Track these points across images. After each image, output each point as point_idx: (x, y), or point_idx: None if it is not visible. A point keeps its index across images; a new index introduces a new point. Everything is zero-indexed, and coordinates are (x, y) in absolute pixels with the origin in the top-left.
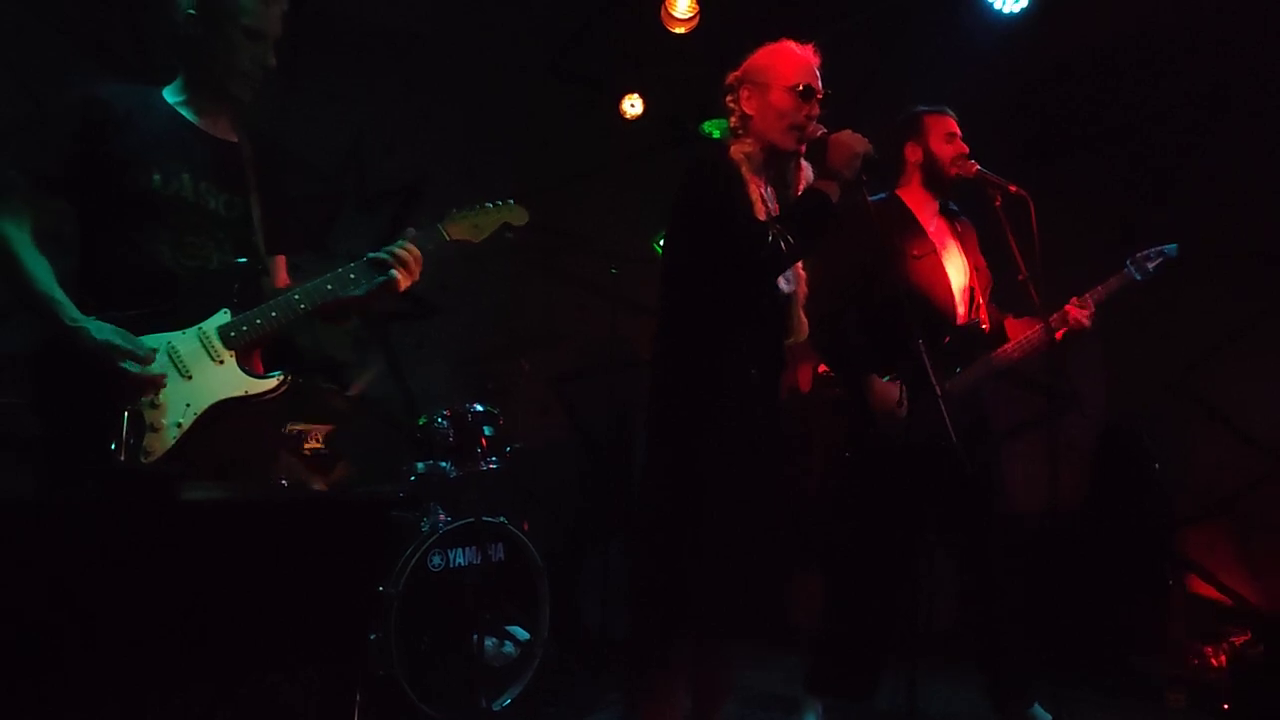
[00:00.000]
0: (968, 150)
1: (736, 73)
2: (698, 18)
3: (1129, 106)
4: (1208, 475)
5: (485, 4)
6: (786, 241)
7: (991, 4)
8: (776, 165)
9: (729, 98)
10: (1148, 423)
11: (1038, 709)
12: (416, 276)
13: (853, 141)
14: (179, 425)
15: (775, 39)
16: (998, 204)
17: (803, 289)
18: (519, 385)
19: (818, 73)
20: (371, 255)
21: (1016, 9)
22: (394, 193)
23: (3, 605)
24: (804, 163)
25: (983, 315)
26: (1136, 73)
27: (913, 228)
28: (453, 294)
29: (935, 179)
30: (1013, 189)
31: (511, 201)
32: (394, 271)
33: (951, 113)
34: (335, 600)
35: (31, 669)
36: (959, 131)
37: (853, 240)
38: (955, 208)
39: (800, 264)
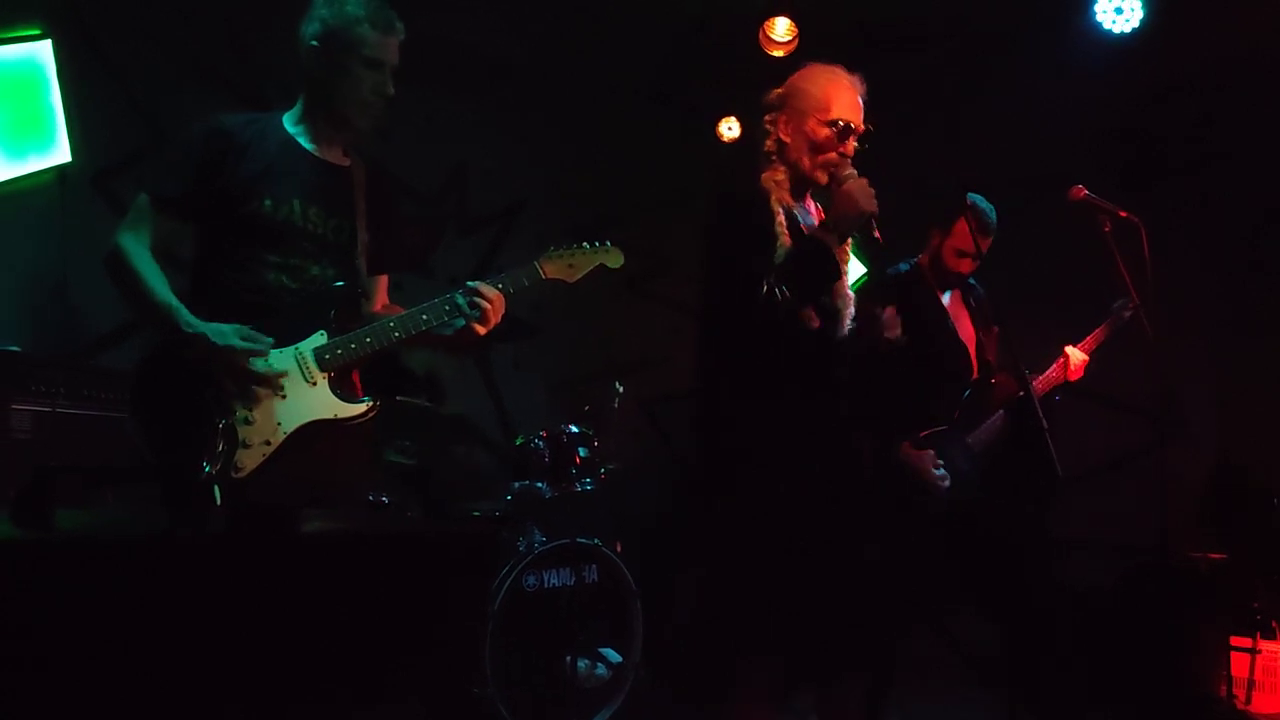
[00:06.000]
0: (972, 265)
1: (780, 90)
2: (796, 40)
3: (1245, 128)
4: None
5: (583, 29)
6: (782, 292)
7: (1100, 24)
8: (813, 188)
9: (767, 117)
10: (1263, 456)
11: None
12: (496, 321)
13: (861, 198)
14: (268, 443)
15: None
16: (1106, 229)
17: (848, 313)
18: (613, 407)
19: (861, 103)
20: (457, 298)
21: (1128, 29)
22: (493, 216)
23: (126, 630)
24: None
25: (999, 375)
26: (1254, 94)
27: (929, 296)
28: (549, 315)
29: (939, 270)
30: (1123, 214)
31: (609, 244)
32: (468, 320)
33: (991, 217)
34: (439, 624)
35: (153, 693)
36: (983, 242)
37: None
38: (972, 281)
39: (845, 287)
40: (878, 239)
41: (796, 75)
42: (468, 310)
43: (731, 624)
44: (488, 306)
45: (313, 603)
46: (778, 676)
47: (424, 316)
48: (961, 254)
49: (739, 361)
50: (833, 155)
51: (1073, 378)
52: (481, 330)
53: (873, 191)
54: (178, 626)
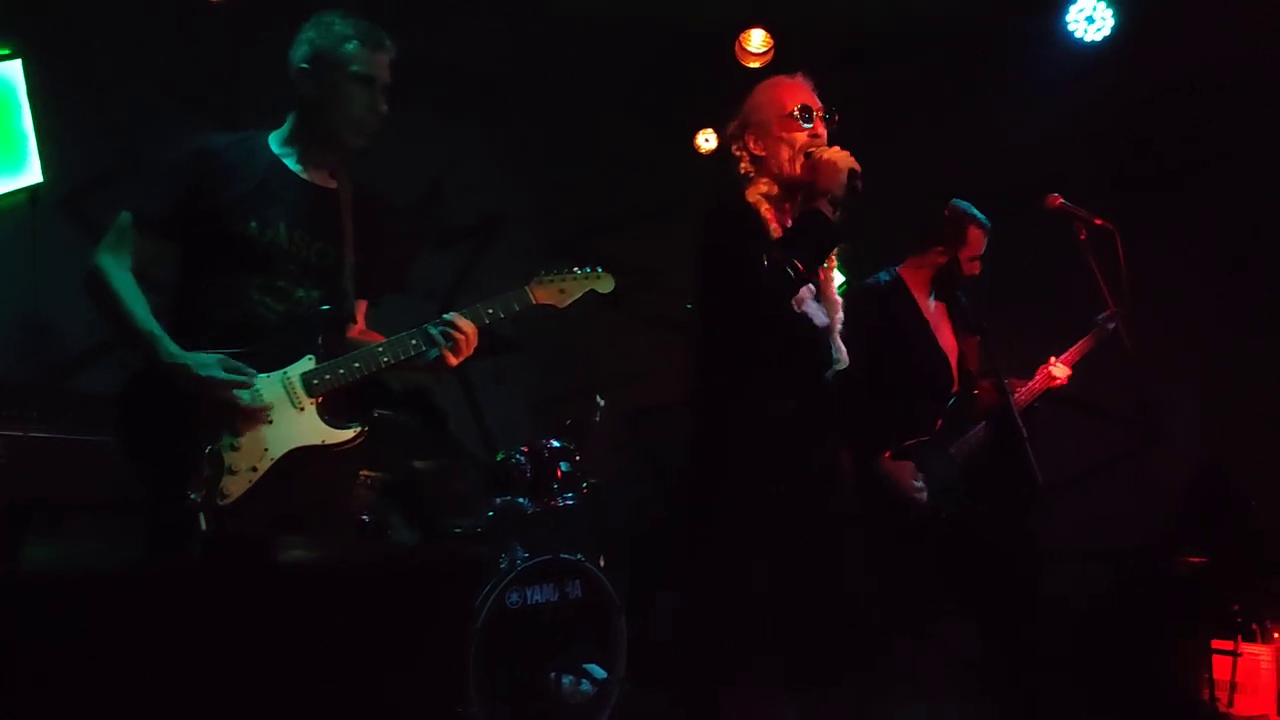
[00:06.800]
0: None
1: (735, 122)
2: (772, 52)
3: (1223, 134)
4: None
5: (562, 43)
6: (793, 267)
7: (1073, 33)
8: (800, 196)
9: (734, 146)
10: (1244, 458)
11: None
12: (468, 353)
13: (839, 160)
14: (254, 469)
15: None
16: (1082, 237)
17: (838, 317)
18: (595, 421)
19: (814, 94)
20: (430, 329)
21: (1098, 38)
22: (472, 230)
23: (102, 668)
24: None
25: (981, 385)
26: (1230, 98)
27: (910, 306)
28: (529, 330)
29: (945, 282)
30: (1098, 221)
31: (600, 269)
32: (440, 350)
33: (988, 225)
34: (421, 644)
35: None
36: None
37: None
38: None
39: (834, 291)
40: (858, 188)
41: (746, 100)
42: (441, 341)
43: (724, 628)
44: (461, 339)
45: (294, 627)
46: (773, 679)
47: (412, 342)
48: (975, 259)
49: (735, 362)
50: (804, 138)
51: (1055, 386)
52: (454, 361)
53: (848, 152)
54: (158, 656)
